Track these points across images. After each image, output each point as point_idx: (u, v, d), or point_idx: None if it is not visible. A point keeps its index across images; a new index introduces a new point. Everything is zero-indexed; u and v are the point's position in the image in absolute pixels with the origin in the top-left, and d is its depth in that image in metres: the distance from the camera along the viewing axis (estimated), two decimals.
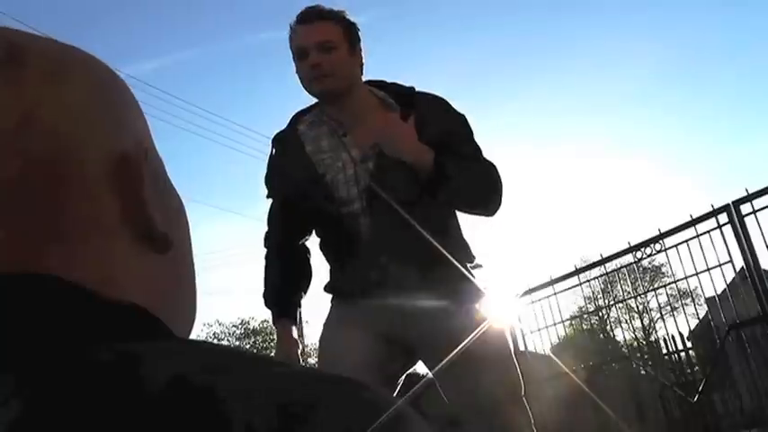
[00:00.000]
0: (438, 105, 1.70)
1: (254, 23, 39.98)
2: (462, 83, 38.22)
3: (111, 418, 0.25)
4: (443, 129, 1.63)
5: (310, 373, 0.29)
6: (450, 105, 1.72)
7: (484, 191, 1.65)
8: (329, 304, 1.79)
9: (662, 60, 37.50)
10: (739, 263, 4.36)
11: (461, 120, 1.71)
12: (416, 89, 1.73)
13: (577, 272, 5.55)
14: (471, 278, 1.69)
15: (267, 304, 1.76)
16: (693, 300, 8.28)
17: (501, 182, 1.66)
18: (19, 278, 0.31)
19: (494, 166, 1.68)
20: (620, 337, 22.89)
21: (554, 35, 40.79)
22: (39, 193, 0.32)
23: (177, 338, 0.34)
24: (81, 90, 0.36)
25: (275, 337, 1.77)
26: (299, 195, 1.69)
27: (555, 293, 5.62)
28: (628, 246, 5.03)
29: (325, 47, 1.58)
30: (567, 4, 39.40)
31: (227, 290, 31.18)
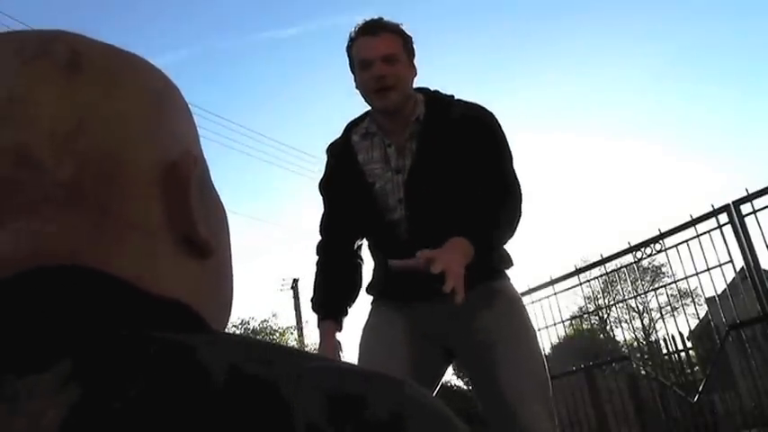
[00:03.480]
0: (473, 117, 1.69)
1: (247, 24, 40.02)
2: (460, 82, 38.25)
3: (183, 404, 0.26)
4: (475, 143, 1.64)
5: (352, 368, 0.31)
6: (486, 116, 1.72)
7: (513, 229, 1.64)
8: (369, 306, 1.82)
9: (662, 61, 37.55)
10: (739, 263, 4.37)
11: (494, 133, 1.70)
12: (455, 97, 1.76)
13: (577, 272, 5.57)
14: (508, 280, 1.74)
15: (314, 308, 1.79)
16: (693, 300, 8.27)
17: (521, 206, 1.66)
18: (70, 269, 0.32)
19: (518, 190, 1.67)
20: (620, 337, 22.97)
21: (553, 33, 40.83)
22: (89, 195, 0.34)
23: (217, 332, 0.36)
24: (134, 97, 0.38)
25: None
26: (351, 203, 1.74)
27: (555, 293, 5.64)
28: (628, 246, 5.04)
29: (389, 59, 1.62)
30: None
31: None
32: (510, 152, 1.71)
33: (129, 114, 0.37)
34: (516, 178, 1.69)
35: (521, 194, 1.67)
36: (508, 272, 1.76)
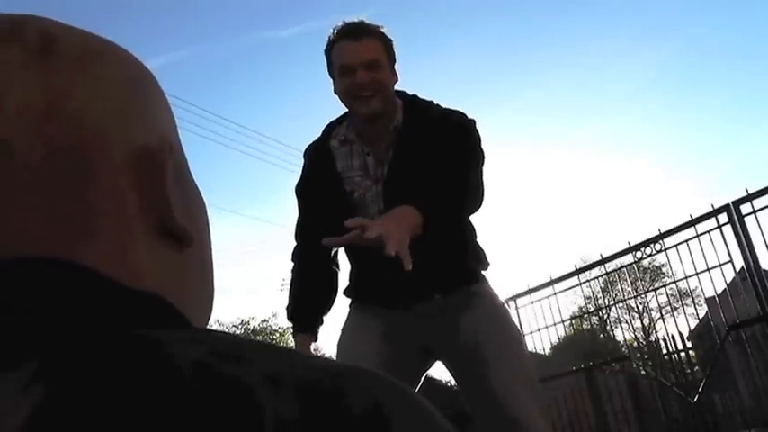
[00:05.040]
0: (450, 122, 1.66)
1: (244, 24, 40.00)
2: (462, 82, 38.23)
3: (142, 403, 0.25)
4: (448, 145, 1.61)
5: (331, 364, 0.30)
6: (463, 120, 1.68)
7: (463, 207, 1.62)
8: (347, 309, 1.80)
9: (662, 60, 37.52)
10: (739, 263, 4.36)
11: (468, 136, 1.66)
12: (434, 102, 1.73)
13: (577, 272, 5.56)
14: (485, 282, 1.73)
15: (289, 317, 1.77)
16: (693, 300, 8.24)
17: (473, 194, 1.61)
18: (39, 262, 0.31)
19: (479, 187, 1.63)
20: (620, 337, 22.97)
21: (555, 34, 40.80)
22: (61, 181, 0.33)
23: (195, 327, 0.34)
24: (109, 82, 0.36)
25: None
26: (328, 210, 1.69)
27: (555, 293, 5.63)
28: (628, 246, 5.03)
29: (372, 65, 1.57)
30: (567, 2, 39.41)
31: (225, 289, 31.09)
32: (481, 156, 1.66)
33: (103, 100, 0.36)
34: (480, 177, 1.64)
35: (481, 191, 1.62)
36: (485, 273, 1.75)
